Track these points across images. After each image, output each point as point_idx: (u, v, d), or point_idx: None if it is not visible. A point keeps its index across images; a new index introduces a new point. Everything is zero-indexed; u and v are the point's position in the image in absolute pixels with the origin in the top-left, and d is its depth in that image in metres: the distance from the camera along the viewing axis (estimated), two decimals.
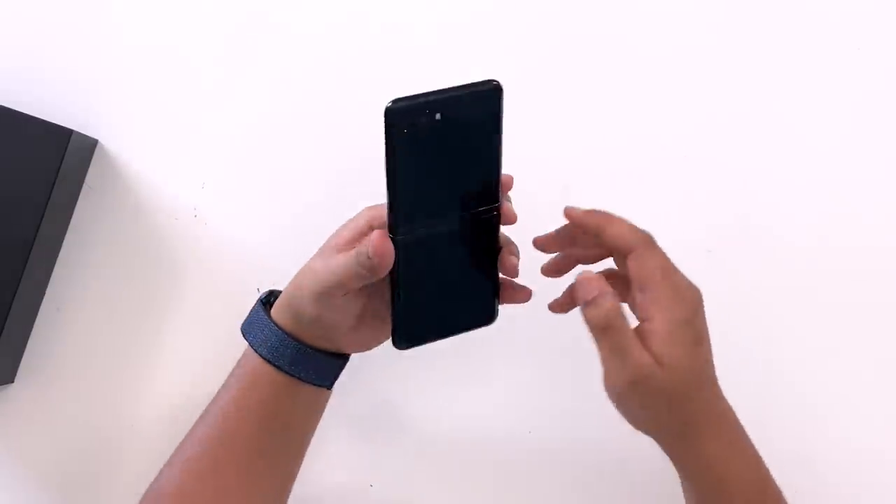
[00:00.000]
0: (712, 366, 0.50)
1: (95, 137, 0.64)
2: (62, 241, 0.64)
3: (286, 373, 0.52)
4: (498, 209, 0.50)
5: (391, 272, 0.49)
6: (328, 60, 0.65)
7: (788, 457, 0.61)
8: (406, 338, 0.51)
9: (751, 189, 0.64)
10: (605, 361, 0.47)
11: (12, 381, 0.63)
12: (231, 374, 0.55)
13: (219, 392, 0.56)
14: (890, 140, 0.65)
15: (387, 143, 0.46)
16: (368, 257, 0.48)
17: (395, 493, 0.62)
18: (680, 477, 0.51)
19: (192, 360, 0.63)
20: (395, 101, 0.45)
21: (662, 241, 0.64)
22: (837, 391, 0.63)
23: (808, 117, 0.65)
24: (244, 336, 0.54)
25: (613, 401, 0.48)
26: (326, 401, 0.56)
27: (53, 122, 0.59)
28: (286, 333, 0.52)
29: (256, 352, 0.53)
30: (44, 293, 0.63)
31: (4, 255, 0.58)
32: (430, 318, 0.51)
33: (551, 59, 0.66)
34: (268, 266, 0.64)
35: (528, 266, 0.52)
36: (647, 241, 0.49)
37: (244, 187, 0.65)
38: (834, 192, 0.64)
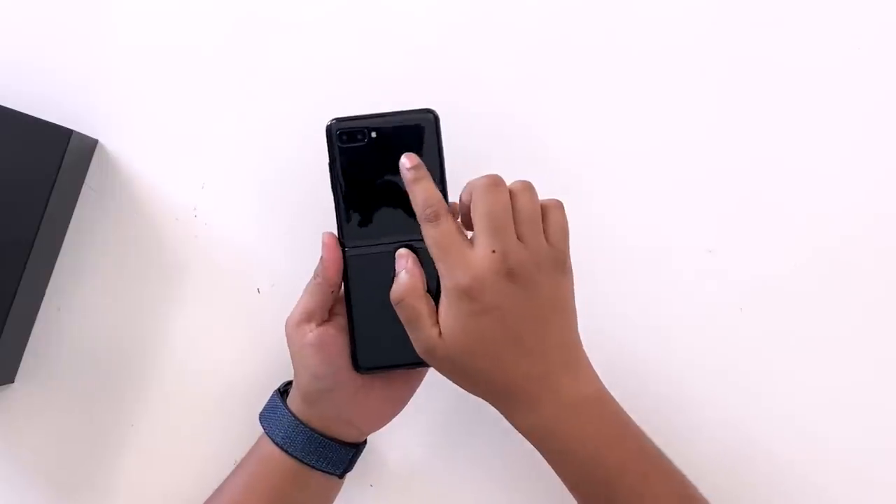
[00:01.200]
0: (513, 341, 0.49)
1: (95, 137, 0.64)
2: (62, 241, 0.64)
3: (298, 460, 0.54)
4: None
5: (345, 291, 0.53)
6: (329, 60, 0.65)
7: (789, 457, 0.61)
8: (363, 360, 0.53)
9: (751, 189, 0.64)
10: (446, 323, 0.49)
11: (12, 381, 0.63)
12: (244, 458, 0.57)
13: (230, 474, 0.57)
14: (890, 140, 0.65)
15: (329, 155, 0.52)
16: (320, 260, 0.52)
17: (395, 493, 0.62)
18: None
19: (192, 360, 0.63)
20: (334, 119, 0.52)
21: (663, 241, 0.64)
22: (838, 391, 0.63)
23: (808, 117, 0.65)
24: (261, 423, 0.56)
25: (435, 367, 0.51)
26: (338, 491, 0.57)
27: (53, 122, 0.59)
28: (299, 421, 0.54)
29: (270, 438, 0.55)
30: (44, 293, 0.63)
31: (4, 255, 0.58)
32: (388, 343, 0.52)
33: (551, 59, 0.66)
34: (268, 266, 0.64)
35: None
36: (441, 209, 0.50)
37: (244, 187, 0.65)
38: (834, 192, 0.64)
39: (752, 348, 0.63)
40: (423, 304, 0.49)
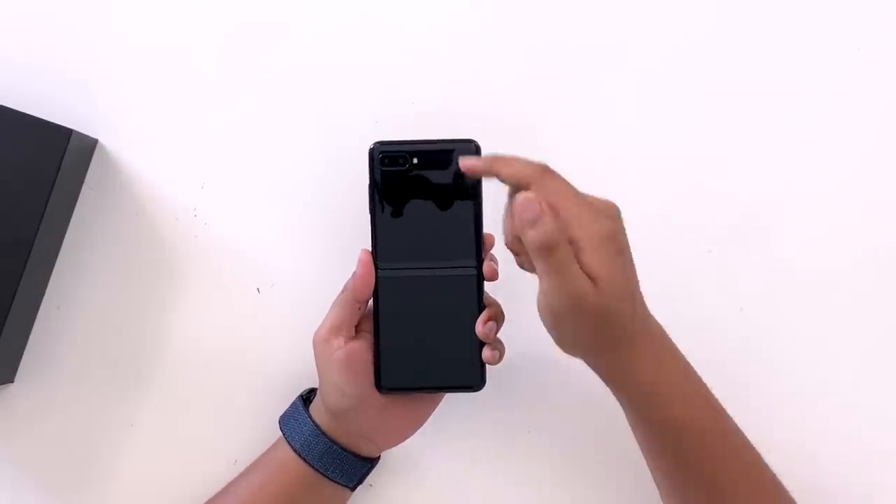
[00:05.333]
0: (637, 280, 0.49)
1: (95, 137, 0.64)
2: (62, 241, 0.64)
3: (313, 467, 0.54)
4: (478, 266, 0.53)
5: (374, 309, 0.53)
6: (329, 60, 0.65)
7: (789, 456, 0.61)
8: (386, 380, 0.53)
9: (751, 189, 0.64)
10: (546, 283, 0.46)
11: (12, 381, 0.63)
12: (260, 458, 0.58)
13: (244, 472, 0.58)
14: (890, 140, 0.65)
15: (370, 177, 0.53)
16: (352, 276, 0.53)
17: (395, 493, 0.63)
18: (615, 395, 0.51)
19: (192, 360, 0.63)
20: (378, 142, 0.53)
21: (663, 241, 0.64)
22: (839, 391, 0.63)
23: (808, 117, 0.65)
24: (280, 428, 0.57)
25: (549, 323, 0.48)
26: (346, 502, 0.58)
27: (53, 121, 0.59)
28: (320, 430, 0.55)
29: (288, 443, 0.55)
30: (44, 293, 0.63)
31: (4, 255, 0.58)
32: (412, 365, 0.53)
33: (552, 59, 0.66)
34: (268, 266, 0.64)
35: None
36: (544, 169, 0.48)
37: (244, 187, 0.65)
38: (834, 192, 0.64)
39: (751, 348, 0.63)
40: (570, 249, 0.46)
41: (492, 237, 0.54)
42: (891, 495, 0.62)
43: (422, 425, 0.57)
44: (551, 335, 0.49)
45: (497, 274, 0.53)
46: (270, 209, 0.64)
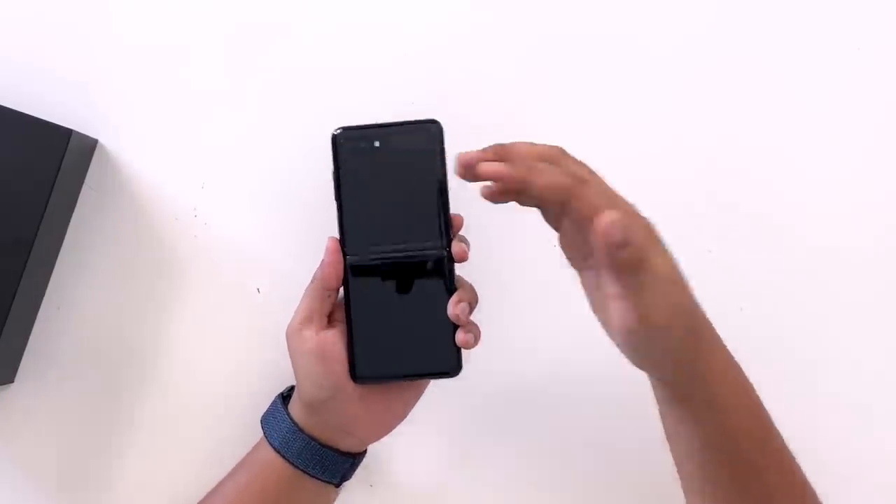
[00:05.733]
0: None
1: (95, 137, 0.64)
2: (62, 241, 0.64)
3: (293, 465, 0.54)
4: (447, 248, 0.52)
5: (345, 299, 0.52)
6: (329, 60, 0.65)
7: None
8: (361, 370, 0.52)
9: (751, 190, 0.64)
10: (630, 299, 0.43)
11: (12, 381, 0.63)
12: (243, 459, 0.57)
13: (228, 474, 0.58)
14: (890, 140, 0.65)
15: (333, 163, 0.52)
16: (320, 264, 0.52)
17: (395, 493, 0.63)
18: (668, 405, 0.49)
19: (192, 360, 0.63)
20: (340, 128, 0.52)
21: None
22: (839, 390, 0.63)
23: (808, 118, 0.65)
24: (261, 426, 0.56)
25: (632, 340, 0.45)
26: (333, 499, 0.57)
27: (53, 122, 0.59)
28: (297, 427, 0.54)
29: (268, 441, 0.55)
30: (44, 293, 0.63)
31: (4, 255, 0.58)
32: (387, 354, 0.52)
33: (552, 58, 0.66)
34: (268, 266, 0.64)
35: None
36: (581, 177, 0.46)
37: (244, 187, 0.65)
38: (834, 192, 0.64)
39: (752, 348, 0.63)
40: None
41: (460, 218, 0.52)
42: (892, 495, 0.62)
43: (405, 416, 0.56)
44: (633, 353, 0.46)
45: (467, 254, 0.51)
46: (271, 209, 0.64)
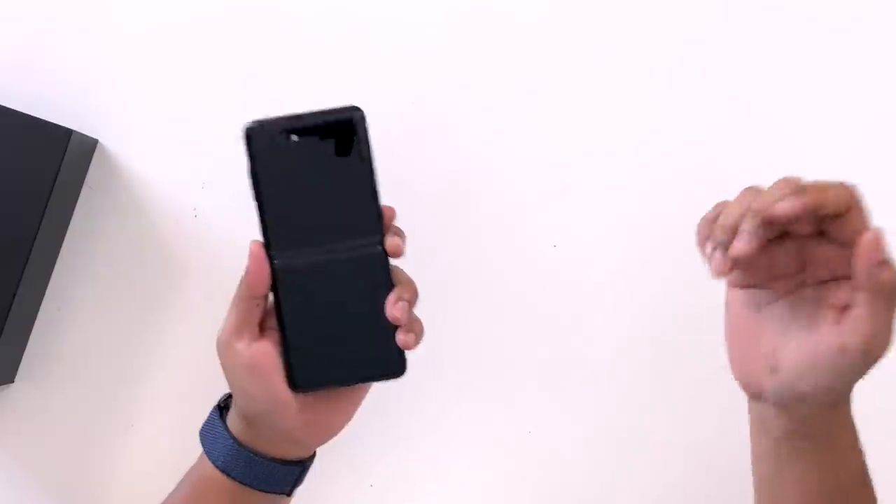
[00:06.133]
0: None
1: (95, 137, 0.64)
2: (62, 241, 0.64)
3: (239, 482, 0.50)
4: (380, 243, 0.47)
5: (276, 305, 0.48)
6: (329, 60, 0.65)
7: None
8: (300, 379, 0.48)
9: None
10: (877, 326, 0.43)
11: (12, 381, 0.63)
12: (185, 476, 0.53)
13: (173, 491, 0.54)
14: (890, 140, 0.65)
15: (248, 163, 0.47)
16: (244, 272, 0.48)
17: (395, 493, 0.62)
18: (790, 442, 0.49)
19: (192, 360, 0.63)
20: (253, 121, 0.47)
21: (663, 241, 0.64)
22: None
23: (808, 118, 0.65)
24: (201, 443, 0.52)
25: (855, 362, 0.44)
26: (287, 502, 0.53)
27: (53, 122, 0.59)
28: (238, 442, 0.50)
29: (210, 460, 0.50)
30: (44, 293, 0.63)
31: (4, 255, 0.58)
32: (326, 360, 0.48)
33: (551, 59, 0.66)
34: None
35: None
36: (853, 191, 0.46)
37: (244, 187, 0.65)
38: None
39: None
40: None
41: (391, 209, 0.48)
42: (891, 496, 0.62)
43: (353, 416, 0.52)
44: (834, 376, 0.45)
45: (402, 249, 0.48)
46: None
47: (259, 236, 0.48)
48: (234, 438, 0.50)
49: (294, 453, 0.51)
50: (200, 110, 0.65)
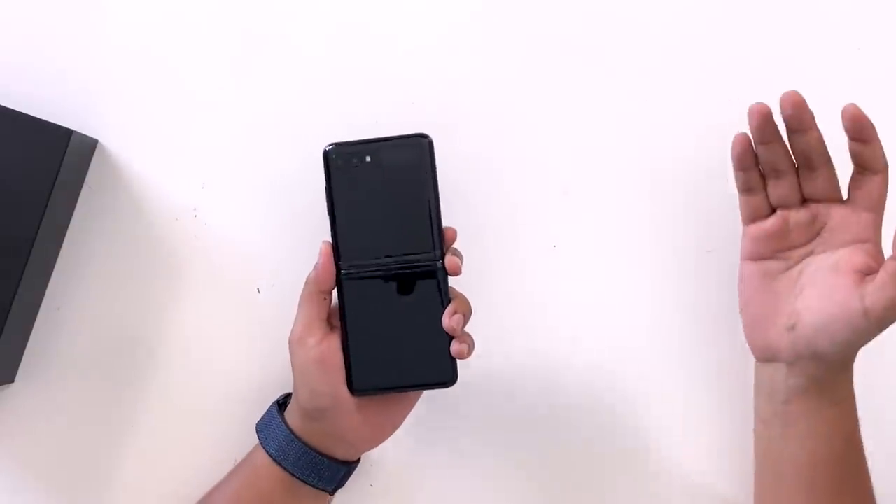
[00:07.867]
0: None
1: (95, 137, 0.64)
2: (62, 241, 0.64)
3: (289, 472, 0.54)
4: (440, 261, 0.53)
5: (340, 312, 0.53)
6: (329, 61, 0.65)
7: None
8: (358, 381, 0.53)
9: None
10: None
11: (12, 381, 0.63)
12: (238, 464, 0.58)
13: (223, 479, 0.58)
14: (890, 140, 0.65)
15: (326, 180, 0.53)
16: (313, 269, 0.53)
17: (395, 493, 0.63)
18: (817, 414, 0.53)
19: (192, 360, 0.63)
20: (331, 144, 0.53)
21: (662, 241, 0.64)
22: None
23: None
24: (257, 434, 0.56)
25: (874, 329, 0.49)
26: None
27: (53, 122, 0.59)
28: (294, 435, 0.54)
29: (264, 449, 0.55)
30: (44, 293, 0.63)
31: (4, 255, 0.58)
32: (383, 365, 0.53)
33: (551, 60, 0.66)
34: (268, 266, 0.64)
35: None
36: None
37: (244, 187, 0.65)
38: None
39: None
40: None
41: (453, 230, 0.54)
42: (891, 496, 0.62)
43: (400, 425, 0.56)
44: (853, 338, 0.50)
45: (460, 268, 0.53)
46: (271, 209, 0.64)
47: (328, 239, 0.54)
48: (291, 430, 0.55)
49: (342, 454, 0.55)
50: (200, 110, 0.65)
